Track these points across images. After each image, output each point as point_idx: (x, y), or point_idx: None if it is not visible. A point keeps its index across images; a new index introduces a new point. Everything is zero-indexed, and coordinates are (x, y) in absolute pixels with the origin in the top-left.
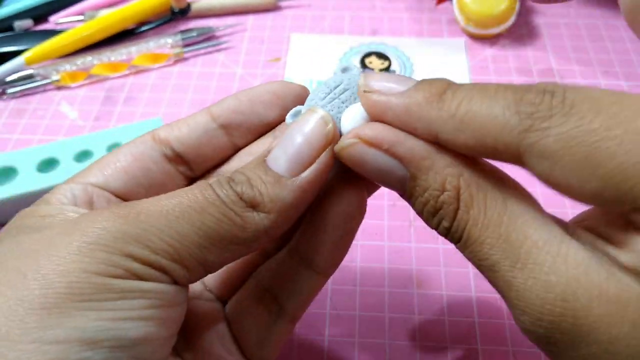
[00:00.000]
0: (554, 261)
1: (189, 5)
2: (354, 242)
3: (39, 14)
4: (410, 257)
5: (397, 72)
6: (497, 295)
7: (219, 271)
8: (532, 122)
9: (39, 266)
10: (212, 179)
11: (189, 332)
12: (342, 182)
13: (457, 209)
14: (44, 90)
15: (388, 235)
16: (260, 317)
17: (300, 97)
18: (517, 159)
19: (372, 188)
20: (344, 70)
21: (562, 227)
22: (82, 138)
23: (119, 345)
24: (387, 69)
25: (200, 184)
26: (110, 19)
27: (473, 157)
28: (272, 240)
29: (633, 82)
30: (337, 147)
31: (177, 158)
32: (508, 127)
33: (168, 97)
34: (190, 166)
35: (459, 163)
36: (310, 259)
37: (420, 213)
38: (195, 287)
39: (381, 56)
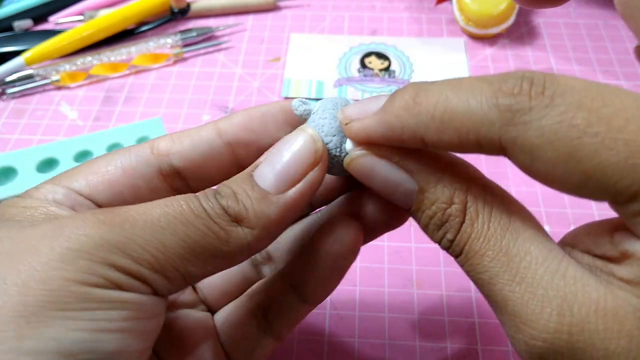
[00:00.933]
0: (553, 276)
1: (188, 6)
2: None
3: (39, 14)
4: (410, 257)
5: (397, 72)
6: None
7: (219, 283)
8: (512, 115)
9: (19, 271)
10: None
11: (179, 340)
12: (338, 221)
13: (462, 222)
14: (44, 91)
15: (388, 235)
16: (250, 331)
17: None
18: (500, 151)
19: (370, 234)
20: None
21: (561, 248)
22: (81, 138)
23: (95, 359)
24: (386, 69)
25: (186, 195)
26: (109, 19)
27: (481, 177)
28: (254, 254)
29: (633, 82)
30: (347, 159)
31: (174, 174)
32: (487, 122)
33: (168, 97)
34: (188, 183)
35: (467, 178)
36: (299, 288)
37: (425, 226)
38: (189, 296)
39: (381, 56)
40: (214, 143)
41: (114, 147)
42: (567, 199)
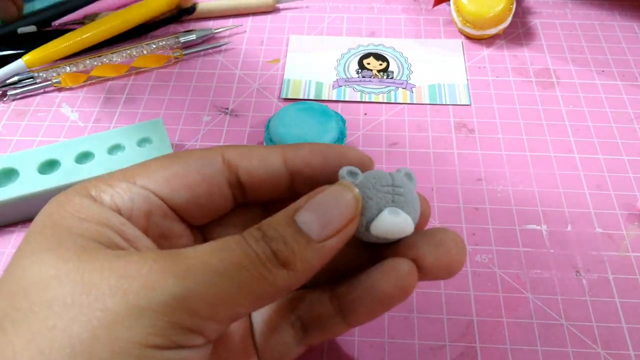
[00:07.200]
0: None
1: (194, 5)
2: None
3: (43, 19)
4: None
5: (395, 73)
6: (495, 294)
7: None
8: None
9: (85, 329)
10: (245, 233)
11: (218, 342)
12: (395, 263)
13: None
14: (45, 92)
15: None
16: (288, 338)
17: (368, 168)
18: None
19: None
20: (408, 176)
21: None
22: (82, 139)
23: None
24: (385, 70)
25: (236, 239)
26: (110, 21)
27: None
28: (286, 295)
29: (629, 82)
30: None
31: (238, 185)
32: None
33: (168, 98)
34: (246, 195)
35: None
36: (345, 312)
37: None
38: None
39: (379, 57)
40: (279, 169)
41: (115, 149)
42: (564, 198)
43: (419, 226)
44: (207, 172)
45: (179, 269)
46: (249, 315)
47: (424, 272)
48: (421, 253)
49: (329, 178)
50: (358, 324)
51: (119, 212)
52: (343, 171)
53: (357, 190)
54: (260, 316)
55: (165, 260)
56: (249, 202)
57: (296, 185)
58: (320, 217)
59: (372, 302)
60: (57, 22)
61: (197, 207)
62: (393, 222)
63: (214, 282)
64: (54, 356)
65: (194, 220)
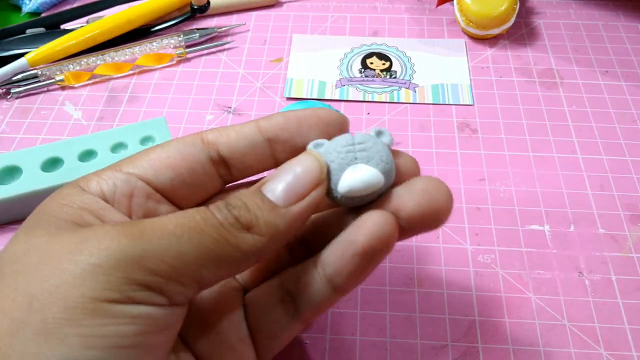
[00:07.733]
0: None
1: (208, 3)
2: None
3: (52, 23)
4: (411, 256)
5: (398, 73)
6: (497, 294)
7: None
8: None
9: (43, 288)
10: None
11: (207, 317)
12: (375, 216)
13: None
14: (48, 90)
15: None
16: (279, 314)
17: (342, 125)
18: None
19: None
20: (378, 133)
21: None
22: (85, 138)
23: None
24: (388, 70)
25: (199, 208)
26: (113, 21)
27: None
28: (259, 261)
29: (632, 83)
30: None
31: (221, 162)
32: None
33: (171, 97)
34: (231, 171)
35: None
36: (331, 277)
37: None
38: None
39: (382, 57)
40: (256, 138)
41: (118, 147)
42: (567, 198)
43: (403, 179)
44: (188, 151)
45: (135, 231)
46: (243, 305)
47: (408, 223)
48: (400, 202)
49: (307, 139)
50: (345, 288)
51: (104, 197)
52: (310, 145)
53: (320, 156)
54: (249, 298)
55: (123, 226)
56: (238, 180)
57: (278, 155)
58: (285, 185)
59: (352, 259)
60: (65, 26)
61: (182, 185)
62: (355, 178)
63: (171, 244)
64: (13, 314)
65: (182, 202)
